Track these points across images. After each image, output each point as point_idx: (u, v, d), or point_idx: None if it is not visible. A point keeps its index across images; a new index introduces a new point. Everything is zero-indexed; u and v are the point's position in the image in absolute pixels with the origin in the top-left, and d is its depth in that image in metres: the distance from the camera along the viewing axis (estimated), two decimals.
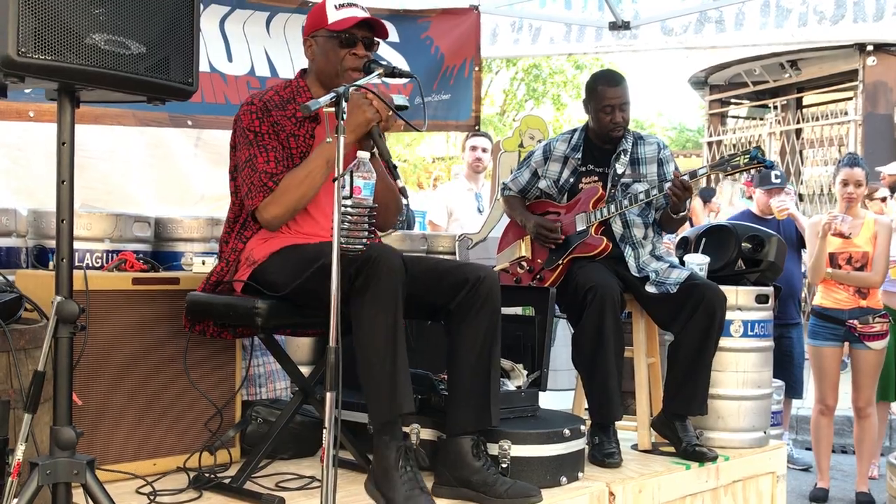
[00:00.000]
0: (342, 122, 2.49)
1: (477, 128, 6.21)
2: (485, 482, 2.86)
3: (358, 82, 2.72)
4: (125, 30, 2.31)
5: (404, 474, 2.70)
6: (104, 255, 3.67)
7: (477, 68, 6.03)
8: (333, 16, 3.01)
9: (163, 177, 5.25)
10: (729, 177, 4.58)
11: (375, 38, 3.06)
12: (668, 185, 3.76)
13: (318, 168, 2.91)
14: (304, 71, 3.19)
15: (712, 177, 6.63)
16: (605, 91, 3.89)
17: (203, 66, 4.62)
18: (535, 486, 2.92)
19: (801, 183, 13.20)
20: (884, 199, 6.45)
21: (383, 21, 3.08)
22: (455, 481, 2.91)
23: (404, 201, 3.11)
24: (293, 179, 2.91)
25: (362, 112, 2.85)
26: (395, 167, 2.79)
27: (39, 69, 2.18)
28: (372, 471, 2.79)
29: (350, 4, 3.04)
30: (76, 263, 3.34)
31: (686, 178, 3.72)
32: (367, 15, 3.02)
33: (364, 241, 2.61)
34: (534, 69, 23.35)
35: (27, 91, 3.23)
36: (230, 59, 5.01)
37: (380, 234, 3.18)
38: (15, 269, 3.33)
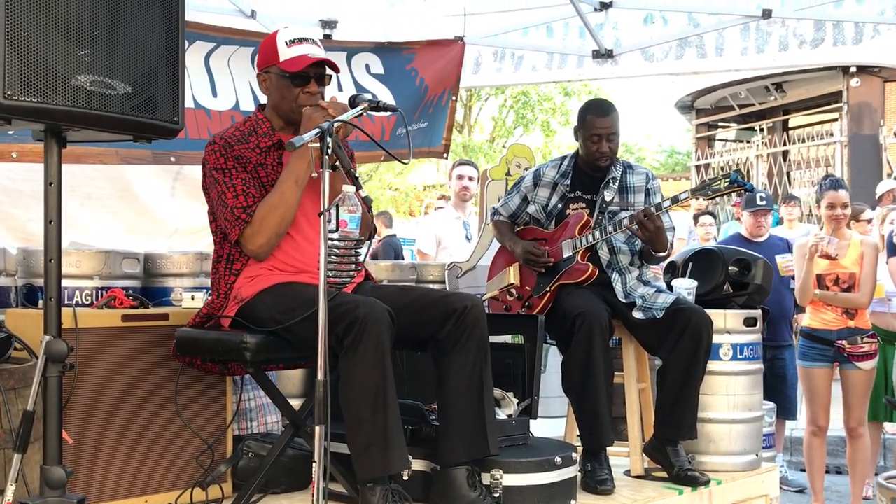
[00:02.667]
0: (327, 156, 2.52)
1: (446, 155, 6.26)
2: None
3: (341, 117, 2.74)
4: (111, 70, 2.34)
5: None
6: (93, 292, 3.67)
7: (454, 98, 6.08)
8: (285, 53, 3.00)
9: (126, 210, 5.28)
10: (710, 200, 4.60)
11: (328, 73, 3.07)
12: (625, 219, 3.78)
13: (288, 189, 2.92)
14: (262, 106, 3.20)
15: None
16: (593, 121, 3.92)
17: (187, 102, 4.63)
18: None
19: None
20: (869, 221, 6.49)
21: (332, 60, 3.07)
22: None
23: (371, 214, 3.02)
24: (267, 206, 2.93)
25: (314, 122, 2.80)
26: (356, 177, 2.78)
27: (26, 111, 2.21)
28: None
29: (301, 40, 3.03)
30: (65, 301, 3.35)
31: (652, 208, 3.74)
32: (318, 55, 3.01)
33: (352, 273, 2.64)
34: (522, 97, 23.55)
35: (10, 132, 3.25)
36: (215, 94, 5.04)
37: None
38: (4, 309, 3.33)
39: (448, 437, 2.96)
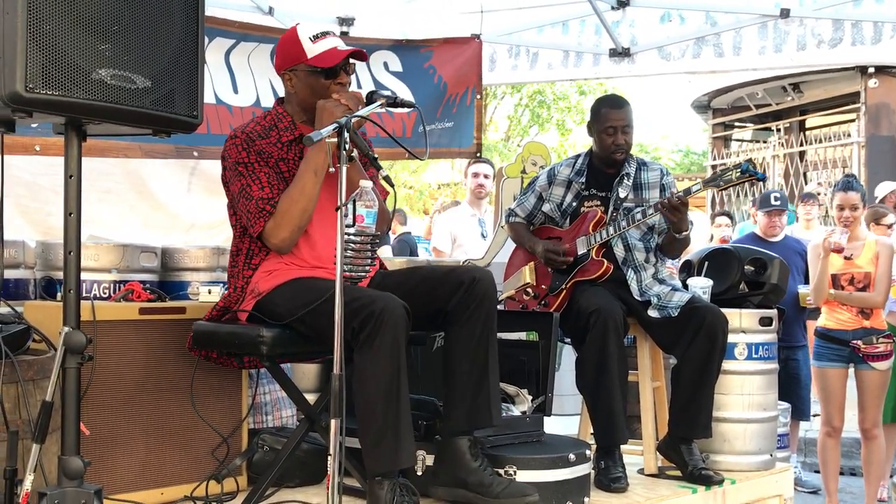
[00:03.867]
0: (344, 151, 2.53)
1: (478, 154, 6.27)
2: (481, 483, 2.89)
3: (359, 112, 2.75)
4: (131, 64, 2.36)
5: None
6: (111, 285, 3.70)
7: (479, 96, 6.10)
8: (312, 49, 3.02)
9: (143, 206, 5.30)
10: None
11: (352, 62, 3.10)
12: (638, 213, 3.80)
13: (308, 181, 2.94)
14: (281, 100, 3.22)
15: None
16: (608, 113, 3.93)
17: (209, 98, 4.68)
18: (532, 487, 2.93)
19: None
20: (890, 226, 6.43)
21: (362, 49, 3.12)
22: (451, 481, 2.95)
23: (390, 192, 3.04)
24: (289, 199, 2.95)
25: (331, 114, 2.84)
26: (375, 158, 2.77)
27: (47, 104, 2.23)
28: None
29: (324, 34, 3.06)
30: (84, 294, 3.38)
31: (681, 193, 3.75)
32: (347, 48, 3.05)
33: (367, 268, 2.65)
34: (538, 95, 23.47)
35: (34, 125, 3.28)
36: (235, 90, 5.08)
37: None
38: (23, 301, 3.36)
39: (452, 408, 2.99)
